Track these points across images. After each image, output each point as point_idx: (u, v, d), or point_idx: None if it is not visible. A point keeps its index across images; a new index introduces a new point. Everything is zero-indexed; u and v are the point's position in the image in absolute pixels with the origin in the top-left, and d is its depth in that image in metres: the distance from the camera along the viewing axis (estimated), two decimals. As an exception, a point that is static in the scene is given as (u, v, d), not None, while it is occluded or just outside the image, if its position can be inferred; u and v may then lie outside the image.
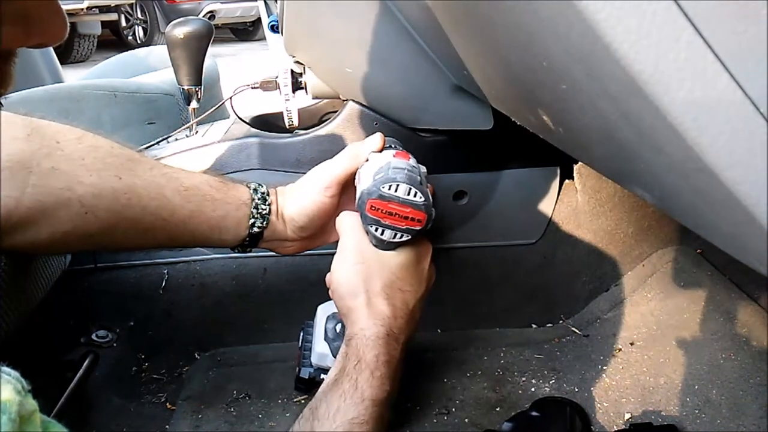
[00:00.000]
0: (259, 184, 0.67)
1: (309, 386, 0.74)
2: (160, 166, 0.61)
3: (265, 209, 0.65)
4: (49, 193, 0.52)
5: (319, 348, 0.71)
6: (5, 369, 0.29)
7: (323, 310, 0.75)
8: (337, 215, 0.68)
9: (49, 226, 0.53)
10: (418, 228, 0.60)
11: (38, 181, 0.52)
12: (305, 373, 0.73)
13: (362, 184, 0.61)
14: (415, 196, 0.59)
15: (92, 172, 0.55)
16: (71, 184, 0.53)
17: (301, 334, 0.76)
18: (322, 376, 0.71)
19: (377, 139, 0.68)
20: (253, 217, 0.64)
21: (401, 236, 0.61)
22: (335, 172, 0.67)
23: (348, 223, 0.65)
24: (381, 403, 0.56)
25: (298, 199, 0.67)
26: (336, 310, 0.72)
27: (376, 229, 0.60)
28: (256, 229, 0.65)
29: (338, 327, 0.71)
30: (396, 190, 0.59)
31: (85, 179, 0.54)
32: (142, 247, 0.66)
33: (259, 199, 0.65)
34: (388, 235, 0.60)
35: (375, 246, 0.63)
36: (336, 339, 0.70)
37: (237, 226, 0.64)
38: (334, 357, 0.69)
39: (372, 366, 0.57)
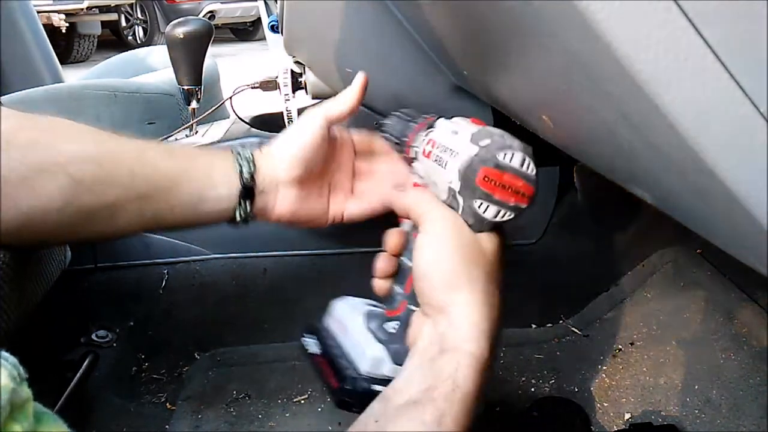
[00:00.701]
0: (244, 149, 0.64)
1: (362, 401, 0.54)
2: (136, 138, 0.60)
3: (248, 155, 0.62)
4: (32, 164, 0.52)
5: (372, 351, 0.56)
6: (4, 354, 0.29)
7: (351, 307, 0.61)
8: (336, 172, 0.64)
9: (41, 201, 0.52)
10: (524, 206, 0.51)
11: (19, 154, 0.51)
12: (359, 385, 0.55)
13: (461, 155, 0.51)
14: (528, 167, 0.50)
15: (71, 141, 0.54)
16: (53, 153, 0.53)
17: (312, 339, 0.62)
18: (374, 386, 0.55)
19: (360, 82, 0.63)
20: (239, 163, 0.61)
21: (505, 214, 0.51)
22: (322, 109, 0.62)
23: (429, 198, 0.53)
24: None
25: (283, 139, 0.63)
26: (372, 308, 0.60)
27: (481, 205, 0.50)
28: (246, 175, 0.60)
29: (391, 326, 0.57)
30: (512, 159, 0.50)
31: (65, 148, 0.54)
32: (144, 222, 0.62)
33: (239, 146, 0.63)
34: (491, 212, 0.50)
35: (470, 225, 0.52)
36: (393, 341, 0.56)
37: (227, 175, 0.60)
38: (396, 364, 0.55)
39: (469, 399, 0.47)
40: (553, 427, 0.73)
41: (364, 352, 0.56)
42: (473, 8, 0.43)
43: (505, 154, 0.49)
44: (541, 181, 0.92)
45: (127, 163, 0.56)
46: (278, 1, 0.87)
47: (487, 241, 0.52)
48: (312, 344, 0.61)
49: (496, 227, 0.52)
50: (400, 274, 0.56)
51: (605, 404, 0.77)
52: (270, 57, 0.96)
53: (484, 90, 0.65)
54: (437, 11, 0.55)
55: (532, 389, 0.82)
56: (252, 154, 0.61)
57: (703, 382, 0.72)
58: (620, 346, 0.85)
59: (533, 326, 0.95)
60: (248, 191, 0.60)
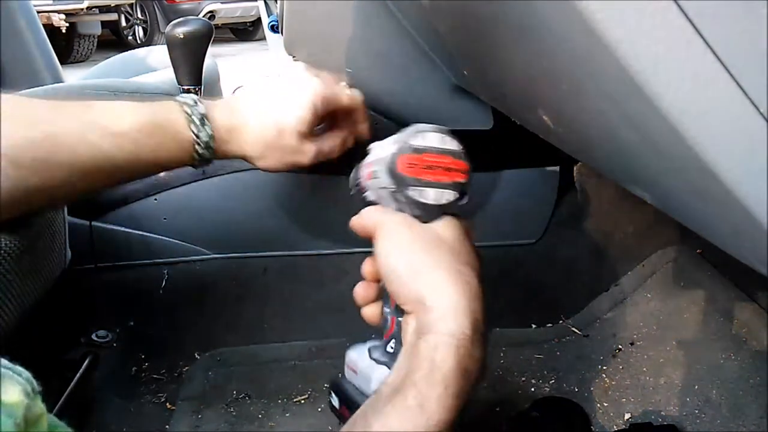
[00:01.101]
0: (195, 104, 0.61)
1: None
2: (83, 114, 0.58)
3: (207, 137, 0.61)
4: None
5: (377, 374, 0.55)
6: (17, 369, 0.29)
7: (358, 350, 0.59)
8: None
9: None
10: (462, 181, 0.51)
11: None
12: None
13: (384, 152, 0.53)
14: (448, 143, 0.51)
15: (8, 121, 0.53)
16: None
17: (333, 397, 0.60)
18: None
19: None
20: (196, 150, 0.61)
21: (447, 195, 0.51)
22: (320, 90, 0.64)
23: (378, 210, 0.54)
24: (449, 424, 0.44)
25: (265, 121, 0.63)
26: (375, 342, 0.59)
27: (418, 192, 0.51)
28: (203, 159, 0.62)
29: (389, 347, 0.56)
30: (427, 140, 0.51)
31: (3, 131, 0.53)
32: (96, 189, 0.63)
33: (199, 127, 0.61)
34: (431, 196, 0.51)
35: (419, 217, 0.52)
36: (393, 359, 0.54)
37: (180, 157, 0.61)
38: None
39: (449, 379, 0.44)
40: (553, 427, 0.73)
41: (371, 377, 0.56)
42: (473, 8, 0.43)
43: (419, 137, 0.51)
44: (541, 181, 0.93)
45: (67, 145, 0.56)
46: (278, 1, 0.87)
47: (443, 227, 0.52)
48: (335, 399, 0.61)
49: (447, 212, 0.52)
50: (385, 296, 0.56)
51: (605, 404, 0.77)
52: (270, 57, 0.95)
53: (484, 90, 0.65)
54: (438, 11, 0.55)
55: (532, 389, 0.82)
56: (211, 135, 0.61)
57: (703, 382, 0.72)
58: (620, 346, 0.85)
59: (533, 326, 0.95)
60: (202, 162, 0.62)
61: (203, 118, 0.61)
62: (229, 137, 0.62)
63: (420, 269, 0.49)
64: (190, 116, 0.60)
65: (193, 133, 0.60)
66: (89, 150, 0.57)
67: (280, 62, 0.90)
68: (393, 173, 0.51)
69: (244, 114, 0.63)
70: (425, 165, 0.51)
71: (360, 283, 0.56)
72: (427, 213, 0.52)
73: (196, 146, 0.61)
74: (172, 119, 0.60)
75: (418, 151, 0.51)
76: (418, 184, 0.51)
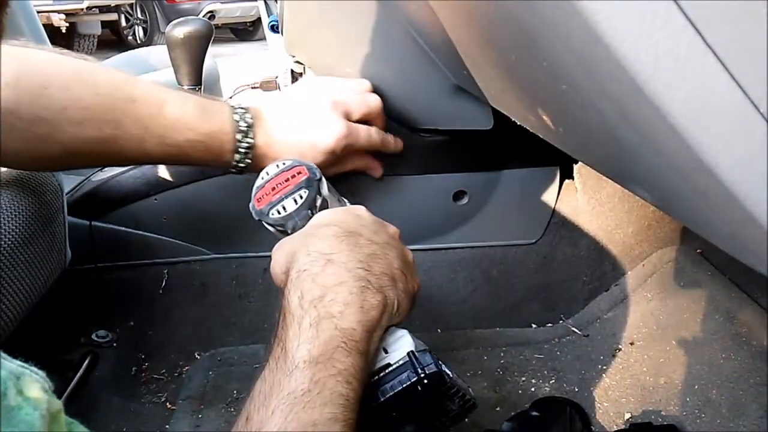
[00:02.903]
0: (248, 128, 0.67)
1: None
2: (146, 117, 0.62)
3: (248, 151, 0.67)
4: (34, 137, 0.57)
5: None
6: (32, 368, 0.30)
7: None
8: None
9: (36, 163, 0.62)
10: (306, 177, 0.58)
11: (24, 126, 0.56)
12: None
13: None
14: (281, 165, 0.60)
15: (73, 123, 0.58)
16: (53, 132, 0.57)
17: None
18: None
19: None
20: (236, 163, 0.68)
21: (300, 195, 0.57)
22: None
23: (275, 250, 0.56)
24: (322, 363, 0.42)
25: (303, 137, 0.68)
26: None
27: (277, 210, 0.58)
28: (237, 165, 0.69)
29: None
30: (266, 174, 0.60)
31: (66, 128, 0.57)
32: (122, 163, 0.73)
33: (241, 152, 0.67)
34: (289, 205, 0.57)
35: (292, 232, 0.57)
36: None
37: (221, 163, 0.68)
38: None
39: (298, 315, 0.44)
40: (553, 427, 0.73)
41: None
42: (473, 7, 0.43)
43: (259, 179, 0.60)
44: (541, 181, 0.93)
45: (122, 151, 0.62)
46: (278, 1, 0.87)
47: (320, 229, 0.53)
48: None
49: (310, 211, 0.58)
50: None
51: (605, 404, 0.77)
52: (270, 57, 0.96)
53: (484, 90, 0.65)
54: (437, 11, 0.55)
55: (532, 389, 0.82)
56: (252, 145, 0.66)
57: (703, 382, 0.72)
58: (620, 346, 0.85)
59: (533, 326, 0.95)
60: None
61: (249, 130, 0.67)
62: (267, 150, 0.68)
63: (286, 258, 0.52)
64: (238, 127, 0.66)
65: (237, 143, 0.66)
66: (139, 156, 0.64)
67: (280, 63, 0.90)
68: (256, 213, 0.59)
69: (281, 130, 0.69)
70: (270, 191, 0.59)
71: None
72: (300, 218, 0.58)
73: (236, 155, 0.67)
74: (222, 131, 0.66)
75: (260, 187, 0.60)
76: (273, 206, 0.58)
